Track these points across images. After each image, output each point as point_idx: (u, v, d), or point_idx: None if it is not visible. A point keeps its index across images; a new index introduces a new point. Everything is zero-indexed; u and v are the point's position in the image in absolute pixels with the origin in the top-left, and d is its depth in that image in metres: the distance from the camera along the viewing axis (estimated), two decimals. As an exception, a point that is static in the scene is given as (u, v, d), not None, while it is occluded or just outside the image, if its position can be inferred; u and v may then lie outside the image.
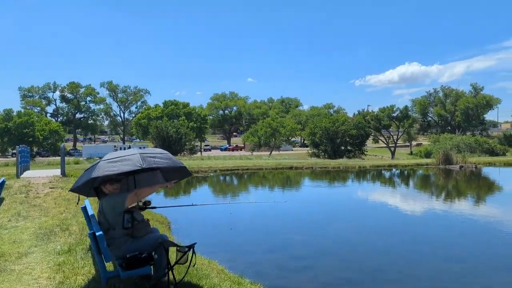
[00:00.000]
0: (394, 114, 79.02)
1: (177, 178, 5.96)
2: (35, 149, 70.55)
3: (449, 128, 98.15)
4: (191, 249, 4.50)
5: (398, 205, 14.84)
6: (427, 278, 6.95)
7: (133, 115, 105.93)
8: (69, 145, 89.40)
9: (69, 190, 5.31)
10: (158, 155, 4.87)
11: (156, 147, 62.24)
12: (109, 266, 5.05)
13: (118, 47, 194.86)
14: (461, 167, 26.58)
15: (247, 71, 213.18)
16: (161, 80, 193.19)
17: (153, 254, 4.56)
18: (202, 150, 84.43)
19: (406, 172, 27.20)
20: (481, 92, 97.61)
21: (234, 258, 7.74)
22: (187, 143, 64.68)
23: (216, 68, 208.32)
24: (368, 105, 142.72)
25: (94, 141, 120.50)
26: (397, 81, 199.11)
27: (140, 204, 5.52)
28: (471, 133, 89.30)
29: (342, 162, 31.43)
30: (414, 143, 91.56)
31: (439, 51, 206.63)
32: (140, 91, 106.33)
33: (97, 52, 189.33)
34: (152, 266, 4.52)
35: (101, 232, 4.23)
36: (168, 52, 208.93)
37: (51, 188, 14.23)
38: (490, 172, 26.33)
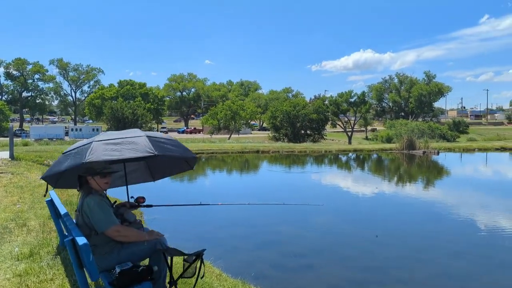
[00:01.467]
0: (352, 100, 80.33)
1: (171, 174, 5.10)
2: (-24, 129, 65.70)
3: (403, 114, 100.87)
4: (200, 258, 3.52)
5: (389, 191, 14.41)
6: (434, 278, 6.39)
7: (86, 95, 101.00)
8: (15, 126, 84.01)
9: (41, 178, 4.09)
10: (168, 142, 3.82)
11: (110, 128, 59.66)
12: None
13: (69, 24, 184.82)
14: (424, 152, 26.86)
15: (205, 53, 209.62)
16: (114, 59, 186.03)
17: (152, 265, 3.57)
18: (159, 132, 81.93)
19: (376, 156, 27.17)
20: (434, 80, 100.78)
21: (222, 255, 6.81)
22: (143, 125, 62.63)
23: (171, 48, 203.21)
24: (325, 90, 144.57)
25: (42, 122, 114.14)
26: (352, 67, 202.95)
27: (132, 200, 4.50)
28: (422, 119, 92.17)
29: (308, 146, 31.03)
30: (369, 128, 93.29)
31: (392, 39, 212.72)
32: (93, 70, 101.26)
33: (45, 29, 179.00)
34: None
35: (86, 242, 3.17)
36: (122, 31, 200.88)
37: (-1, 173, 12.65)
38: (453, 158, 26.79)
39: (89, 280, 3.49)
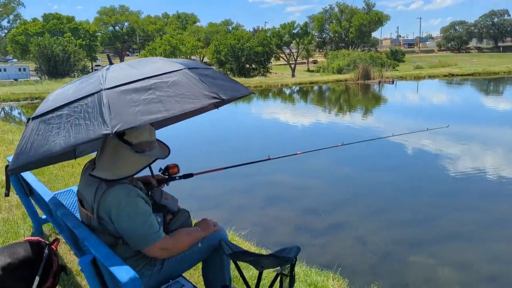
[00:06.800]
0: (295, 31, 79.19)
1: (187, 116, 3.11)
2: None
3: (343, 45, 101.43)
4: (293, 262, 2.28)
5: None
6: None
7: (6, 31, 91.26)
8: None
9: (9, 170, 2.19)
10: (215, 74, 2.29)
11: (40, 67, 54.81)
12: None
13: None
14: (379, 82, 27.01)
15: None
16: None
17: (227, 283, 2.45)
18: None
19: (329, 88, 26.93)
20: (373, 9, 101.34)
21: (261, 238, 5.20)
22: (76, 63, 57.96)
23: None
24: (265, 22, 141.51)
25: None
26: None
27: (158, 172, 2.79)
28: (361, 50, 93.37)
29: (261, 80, 30.25)
30: (310, 60, 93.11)
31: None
32: (11, 2, 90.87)
33: None
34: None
35: (134, 275, 1.78)
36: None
37: None
38: (411, 86, 27.05)
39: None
